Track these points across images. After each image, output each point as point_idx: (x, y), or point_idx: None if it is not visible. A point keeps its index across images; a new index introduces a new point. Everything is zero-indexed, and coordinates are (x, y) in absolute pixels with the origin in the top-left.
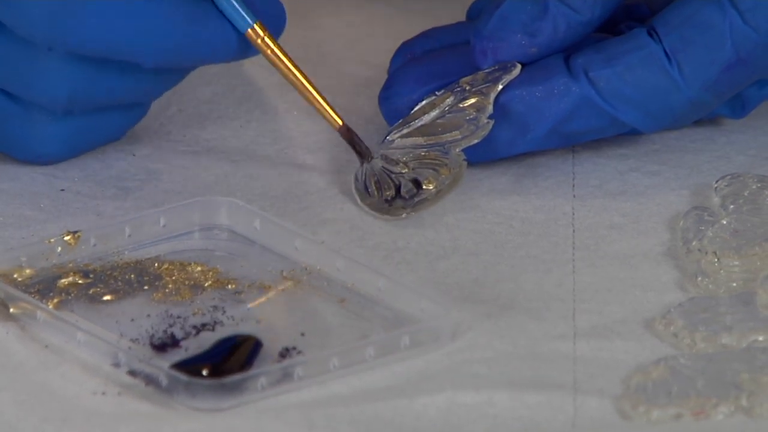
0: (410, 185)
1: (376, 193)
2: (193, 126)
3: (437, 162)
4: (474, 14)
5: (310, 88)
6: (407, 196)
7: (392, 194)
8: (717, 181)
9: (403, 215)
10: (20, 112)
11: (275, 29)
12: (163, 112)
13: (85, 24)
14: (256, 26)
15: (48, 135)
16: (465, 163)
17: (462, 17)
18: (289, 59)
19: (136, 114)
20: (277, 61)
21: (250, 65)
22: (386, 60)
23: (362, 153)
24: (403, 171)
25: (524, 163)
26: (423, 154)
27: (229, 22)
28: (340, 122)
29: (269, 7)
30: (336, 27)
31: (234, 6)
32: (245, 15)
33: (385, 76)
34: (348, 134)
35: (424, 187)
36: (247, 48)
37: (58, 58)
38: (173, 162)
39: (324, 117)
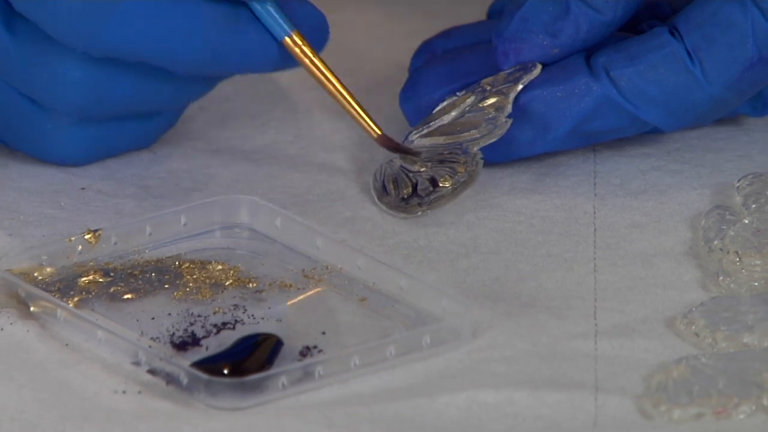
0: (427, 183)
1: (393, 191)
2: (214, 124)
3: (455, 160)
4: (495, 13)
5: (349, 99)
6: (423, 194)
7: (409, 192)
8: (739, 180)
9: (419, 213)
10: (43, 115)
11: (317, 42)
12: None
13: (116, 25)
14: (294, 35)
15: (70, 139)
16: (482, 161)
17: (482, 16)
18: (328, 68)
19: (164, 122)
20: (315, 70)
21: None
22: (406, 58)
23: (412, 155)
24: (421, 170)
25: (545, 161)
26: (441, 153)
27: (267, 30)
28: (379, 132)
29: (311, 20)
30: (356, 25)
31: (272, 14)
32: (283, 23)
33: (406, 75)
34: (388, 142)
35: (440, 184)
36: (286, 59)
37: (72, 64)
38: (194, 160)
39: (362, 127)
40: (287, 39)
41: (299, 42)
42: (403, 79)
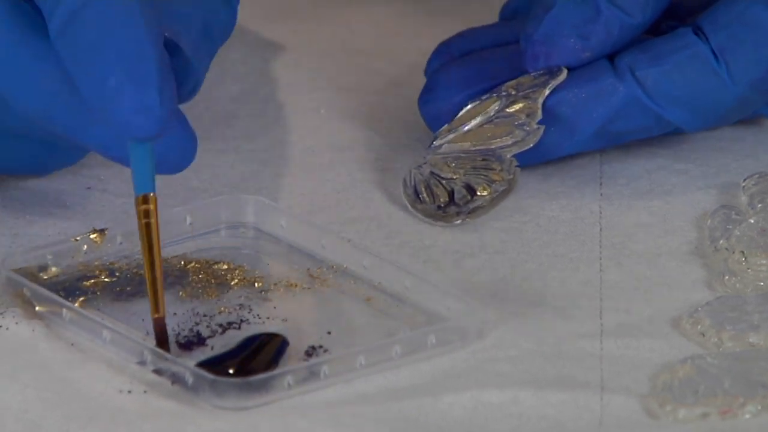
0: (464, 192)
1: (428, 199)
2: (220, 124)
3: (490, 168)
4: (507, 14)
5: (158, 273)
6: (461, 203)
7: (446, 200)
8: (745, 180)
9: (458, 222)
10: None
11: (178, 161)
12: (190, 110)
13: None
14: (150, 197)
15: None
16: (518, 169)
17: (491, 15)
18: (158, 244)
19: (55, 154)
20: (144, 234)
21: (278, 63)
22: (416, 58)
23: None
24: (454, 177)
25: (552, 161)
26: (474, 159)
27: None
28: (158, 314)
29: (181, 136)
30: (365, 24)
31: (146, 166)
32: (150, 180)
33: (416, 75)
34: (159, 326)
35: (478, 193)
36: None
37: None
38: (200, 160)
39: (150, 301)
40: (140, 197)
41: (151, 206)
42: (412, 79)
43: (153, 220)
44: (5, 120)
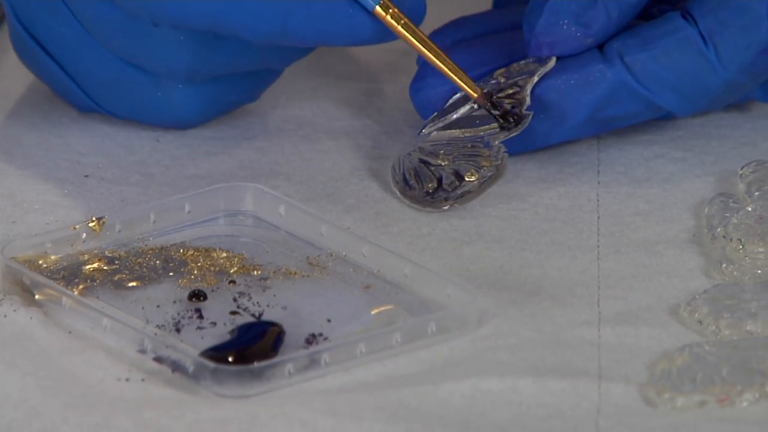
0: (452, 178)
1: (417, 186)
2: None
3: (478, 154)
4: (501, 2)
5: (446, 61)
6: (449, 189)
7: (434, 186)
8: (742, 168)
9: (446, 207)
10: (152, 82)
11: (414, 17)
12: None
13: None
14: (383, 3)
15: (182, 101)
16: (506, 155)
17: (484, 3)
18: (422, 33)
19: (271, 75)
20: (409, 35)
21: None
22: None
23: (506, 121)
24: (443, 163)
25: (549, 149)
26: (462, 146)
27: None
28: (477, 93)
29: None
30: None
31: None
32: None
33: (408, 60)
34: (486, 101)
35: (466, 179)
36: (380, 31)
37: (174, 30)
38: (198, 148)
39: (461, 88)
40: (378, 8)
41: (391, 10)
42: (404, 65)
43: (405, 19)
44: (245, 58)
